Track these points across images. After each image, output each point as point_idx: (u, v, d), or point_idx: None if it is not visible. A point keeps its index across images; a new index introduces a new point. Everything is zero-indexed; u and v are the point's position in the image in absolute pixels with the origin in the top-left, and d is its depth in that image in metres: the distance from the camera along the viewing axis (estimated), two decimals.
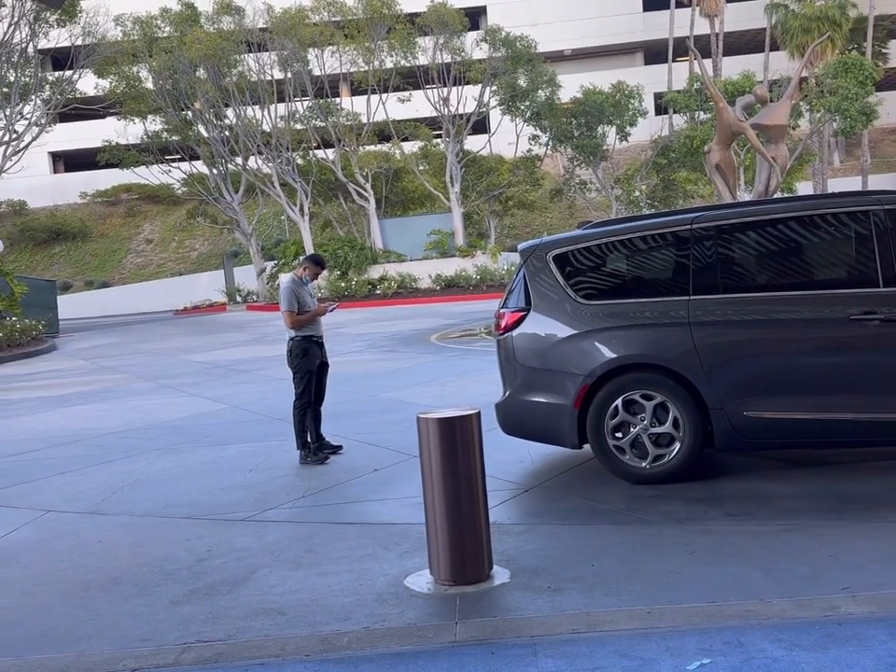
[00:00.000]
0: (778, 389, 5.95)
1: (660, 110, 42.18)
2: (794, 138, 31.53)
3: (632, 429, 6.10)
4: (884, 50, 44.36)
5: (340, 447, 7.95)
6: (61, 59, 35.10)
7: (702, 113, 32.73)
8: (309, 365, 7.80)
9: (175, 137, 36.42)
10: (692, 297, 6.14)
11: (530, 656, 3.58)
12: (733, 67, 36.74)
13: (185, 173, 37.68)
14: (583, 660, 3.53)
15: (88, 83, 35.79)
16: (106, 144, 36.80)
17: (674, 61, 44.37)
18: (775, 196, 18.03)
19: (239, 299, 37.54)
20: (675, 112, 35.88)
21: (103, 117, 39.04)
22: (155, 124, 36.45)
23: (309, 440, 7.77)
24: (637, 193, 34.26)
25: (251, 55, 34.80)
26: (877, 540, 4.76)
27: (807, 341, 5.98)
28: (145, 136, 36.57)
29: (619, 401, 6.11)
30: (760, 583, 4.25)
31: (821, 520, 5.16)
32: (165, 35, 35.13)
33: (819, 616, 3.77)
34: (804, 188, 35.60)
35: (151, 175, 37.02)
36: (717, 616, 3.89)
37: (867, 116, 29.88)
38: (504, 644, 3.77)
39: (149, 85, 35.30)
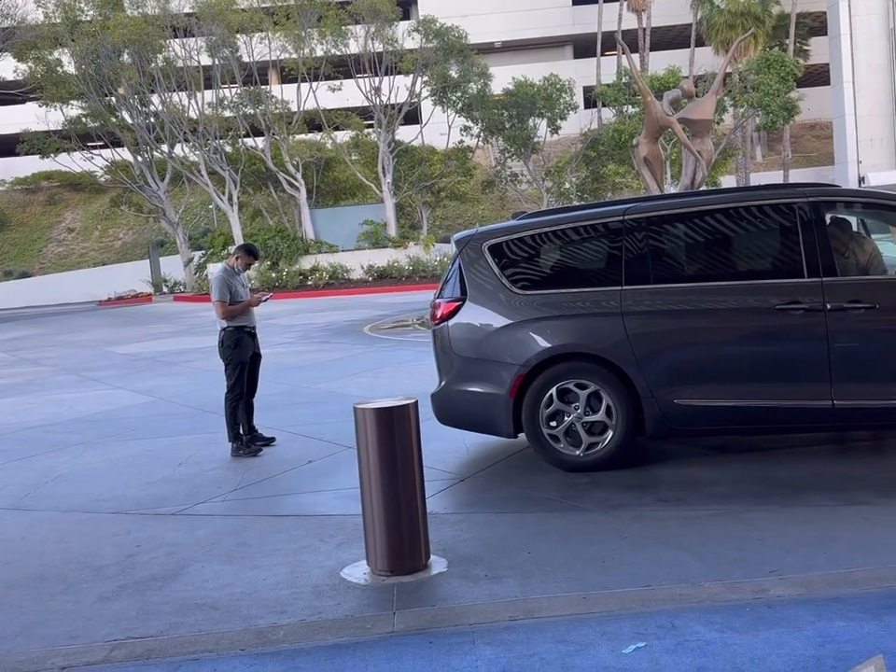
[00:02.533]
0: (708, 377, 6.07)
1: (589, 103, 42.67)
2: (718, 133, 32.18)
3: (566, 418, 6.16)
4: (805, 47, 45.58)
5: (273, 439, 7.85)
6: None
7: (630, 107, 33.20)
8: (241, 356, 7.67)
9: (97, 123, 35.42)
10: (624, 287, 6.21)
11: (468, 644, 3.59)
12: (660, 62, 37.29)
13: (108, 160, 36.72)
14: (521, 646, 3.55)
15: (6, 67, 34.60)
16: (25, 131, 35.62)
17: (603, 55, 44.89)
18: (701, 189, 18.38)
19: (165, 289, 36.80)
20: (604, 106, 36.38)
21: (22, 102, 37.75)
22: (77, 110, 35.41)
23: (241, 432, 7.65)
24: (568, 185, 34.62)
25: (177, 41, 34.04)
26: (804, 524, 4.89)
27: (735, 330, 6.11)
28: (66, 122, 35.51)
29: (553, 391, 6.16)
30: (692, 567, 4.33)
31: (750, 505, 5.29)
32: (88, 18, 34.10)
33: (750, 598, 3.86)
34: (727, 181, 36.41)
35: (73, 162, 35.98)
36: (651, 600, 3.95)
37: (788, 111, 30.70)
38: (442, 633, 3.77)
39: (71, 70, 34.26)
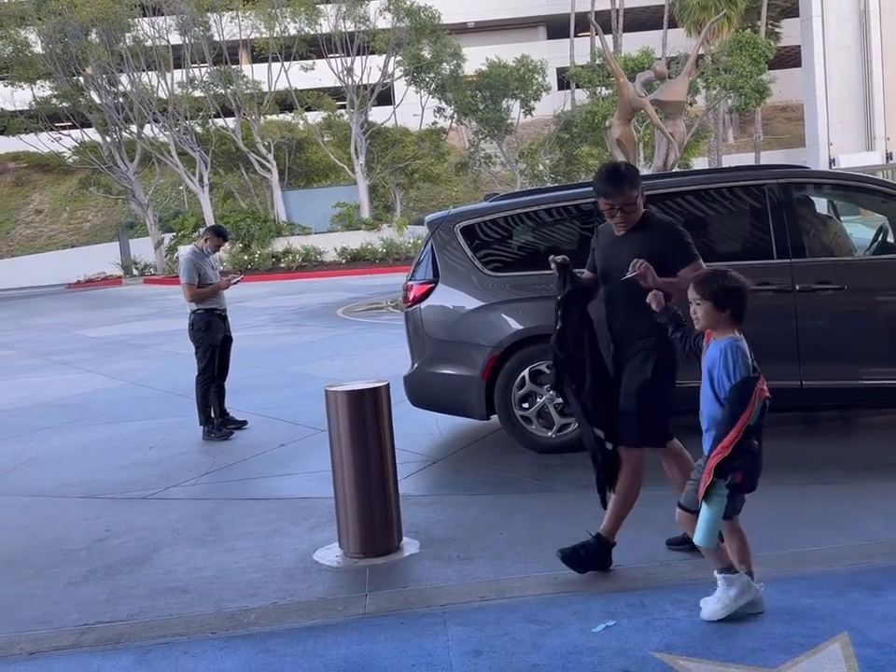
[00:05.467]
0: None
1: (563, 85, 42.57)
2: (691, 114, 32.29)
3: (538, 400, 6.17)
4: (777, 29, 45.75)
5: (244, 422, 7.81)
6: None
7: (603, 88, 33.19)
8: (212, 339, 7.61)
9: (65, 104, 34.87)
10: None
11: (440, 625, 3.60)
12: (633, 43, 37.26)
13: (76, 141, 36.18)
14: (493, 626, 3.57)
15: None
16: None
17: (576, 36, 44.74)
18: (673, 170, 18.45)
19: (136, 272, 36.43)
20: (577, 87, 36.31)
21: None
22: (44, 90, 34.82)
23: (212, 415, 7.60)
24: (541, 167, 34.59)
25: (146, 19, 33.53)
26: (772, 503, 4.93)
27: None
28: (33, 102, 34.92)
29: (526, 372, 6.17)
30: (661, 547, 4.37)
31: None
32: None
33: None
34: (699, 163, 36.55)
35: (40, 142, 35.42)
36: (621, 580, 3.99)
37: (760, 93, 30.81)
38: (414, 614, 3.78)
39: (38, 49, 33.65)
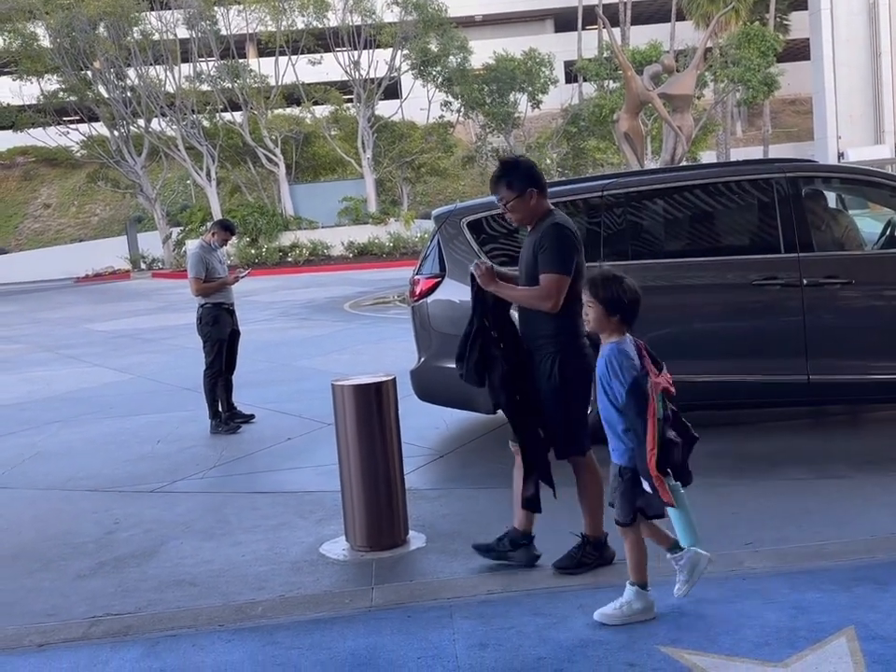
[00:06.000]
0: (685, 353, 6.07)
1: (570, 78, 42.46)
2: (699, 108, 32.17)
3: None
4: (786, 22, 45.52)
5: (252, 416, 7.83)
6: None
7: (611, 82, 33.08)
8: (219, 333, 7.63)
9: (73, 98, 34.92)
10: (602, 263, 6.20)
11: (446, 618, 3.62)
12: (641, 36, 37.14)
13: (84, 135, 36.22)
14: (499, 619, 3.58)
15: None
16: None
17: (584, 29, 44.63)
18: (681, 164, 18.39)
19: (144, 266, 36.45)
20: (585, 80, 36.18)
21: None
22: (52, 84, 34.86)
23: (220, 409, 7.63)
24: (549, 161, 34.50)
25: (153, 13, 33.53)
26: (779, 497, 4.95)
27: (712, 306, 6.14)
28: (41, 96, 34.98)
29: None
30: None
31: (725, 478, 5.33)
32: None
33: (724, 571, 3.90)
34: (708, 157, 36.43)
35: (48, 137, 35.48)
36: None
37: (769, 86, 30.69)
38: (420, 607, 3.79)
39: (46, 43, 33.69)
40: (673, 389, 3.48)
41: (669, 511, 3.44)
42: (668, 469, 3.36)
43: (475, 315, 4.05)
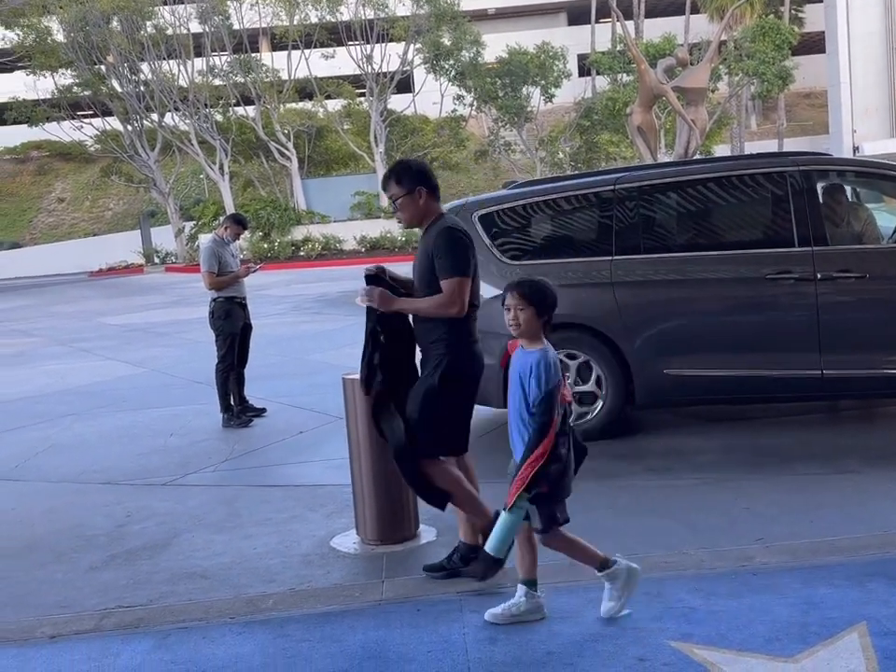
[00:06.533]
0: (698, 347, 6.07)
1: (583, 72, 42.29)
2: (713, 101, 32.00)
3: None
4: (800, 15, 45.22)
5: (264, 410, 7.85)
6: None
7: (625, 75, 32.95)
8: (232, 327, 7.65)
9: (87, 92, 35.06)
10: (614, 257, 6.20)
11: (456, 612, 3.62)
12: (655, 29, 36.96)
13: (98, 129, 36.37)
14: None
15: None
16: (14, 100, 35.25)
17: (597, 22, 44.42)
18: (695, 157, 18.31)
19: (157, 260, 36.60)
20: (598, 74, 36.05)
21: (10, 70, 37.32)
22: (66, 78, 35.02)
23: (232, 402, 7.65)
24: (561, 155, 34.41)
25: (167, 7, 33.60)
26: (791, 493, 4.93)
27: (725, 300, 6.11)
28: (55, 91, 35.13)
29: None
30: (679, 536, 4.36)
31: (738, 473, 5.32)
32: None
33: (735, 566, 3.89)
34: (722, 150, 36.23)
35: (62, 131, 35.64)
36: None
37: (783, 80, 30.50)
38: (430, 601, 3.79)
39: (60, 38, 33.82)
40: (570, 398, 3.57)
41: (502, 514, 3.44)
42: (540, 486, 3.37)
43: (368, 320, 3.99)
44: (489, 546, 3.49)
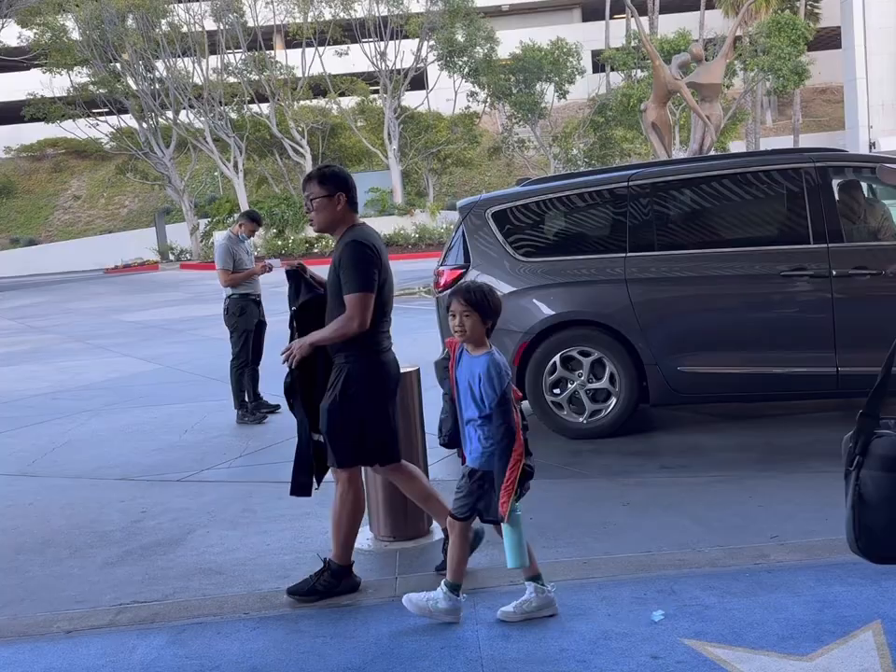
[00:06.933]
0: (712, 344, 6.05)
1: (597, 68, 42.17)
2: (728, 97, 31.86)
3: (570, 385, 6.16)
4: (816, 10, 44.91)
5: (278, 406, 7.86)
6: None
7: (639, 71, 32.84)
8: (246, 324, 7.68)
9: (102, 90, 35.25)
10: (628, 254, 6.18)
11: (469, 608, 3.62)
12: (669, 25, 36.78)
13: (113, 127, 36.55)
14: None
15: (11, 34, 34.37)
16: (31, 97, 35.48)
17: (611, 18, 44.30)
18: (709, 154, 18.23)
19: (172, 257, 36.78)
20: (612, 70, 35.95)
21: (27, 68, 37.58)
22: (82, 76, 35.22)
23: (246, 399, 7.68)
24: (575, 151, 34.34)
25: (181, 5, 33.73)
26: (806, 490, 4.90)
27: (740, 297, 6.08)
28: (71, 89, 35.33)
29: (557, 358, 6.15)
30: (693, 533, 4.35)
31: (753, 471, 5.30)
32: None
33: (750, 564, 3.87)
34: (737, 146, 36.07)
35: (78, 129, 35.84)
36: (651, 566, 3.97)
37: (799, 75, 30.32)
38: None
39: (75, 35, 34.01)
40: (520, 394, 3.65)
41: (504, 527, 3.43)
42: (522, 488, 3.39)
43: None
44: (510, 563, 3.48)
